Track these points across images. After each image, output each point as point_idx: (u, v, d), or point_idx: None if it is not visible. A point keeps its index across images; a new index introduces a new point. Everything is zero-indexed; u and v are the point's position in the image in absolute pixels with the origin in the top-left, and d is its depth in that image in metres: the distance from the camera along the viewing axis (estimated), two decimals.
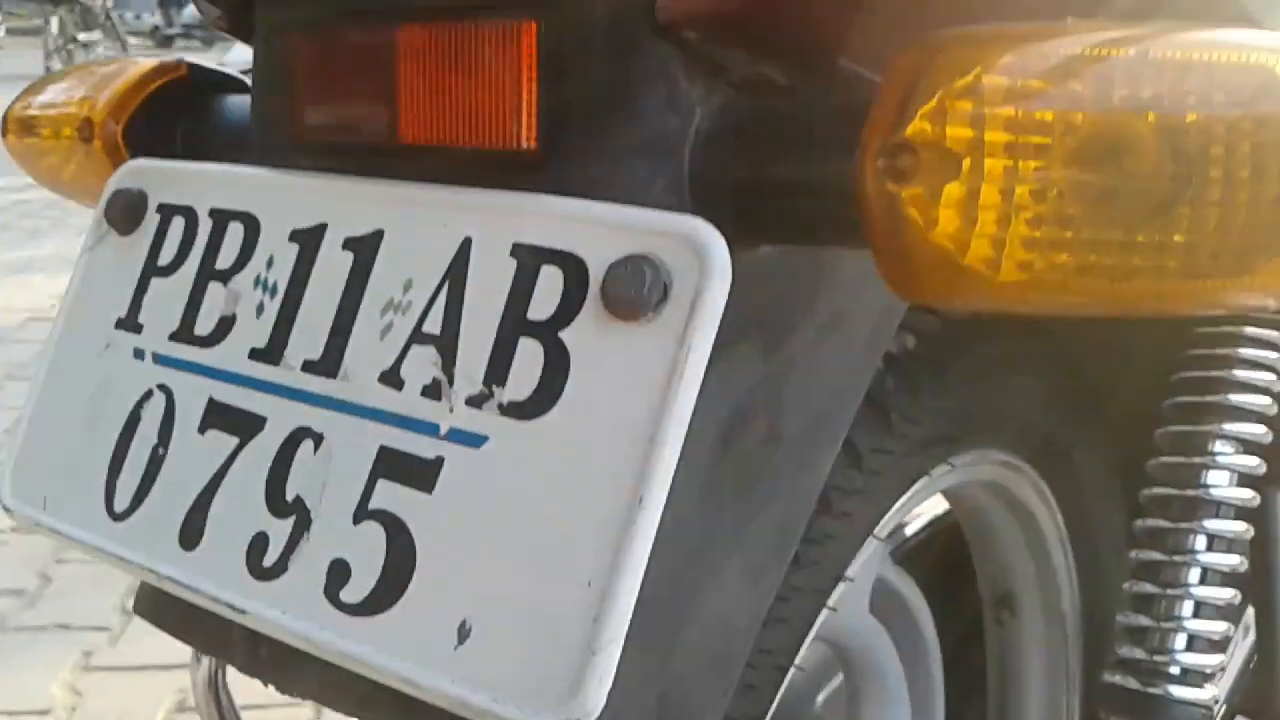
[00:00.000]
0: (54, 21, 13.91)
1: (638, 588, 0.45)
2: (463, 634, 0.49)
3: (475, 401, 0.50)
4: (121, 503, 0.60)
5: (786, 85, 0.53)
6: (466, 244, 0.52)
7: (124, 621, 1.99)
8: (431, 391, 0.52)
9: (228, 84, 0.77)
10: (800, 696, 0.96)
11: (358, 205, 0.57)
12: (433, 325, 0.53)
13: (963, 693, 0.99)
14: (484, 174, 0.54)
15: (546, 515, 0.47)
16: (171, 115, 0.75)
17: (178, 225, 0.63)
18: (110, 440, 0.62)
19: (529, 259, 0.50)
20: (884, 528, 0.78)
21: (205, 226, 0.62)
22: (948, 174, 0.43)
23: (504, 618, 0.48)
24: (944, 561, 1.02)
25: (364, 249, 0.56)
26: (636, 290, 0.47)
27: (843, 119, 0.50)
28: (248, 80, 0.78)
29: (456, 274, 0.52)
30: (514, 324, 0.50)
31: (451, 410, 0.51)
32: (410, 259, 0.54)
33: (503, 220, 0.52)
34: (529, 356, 0.49)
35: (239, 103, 0.76)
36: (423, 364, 0.52)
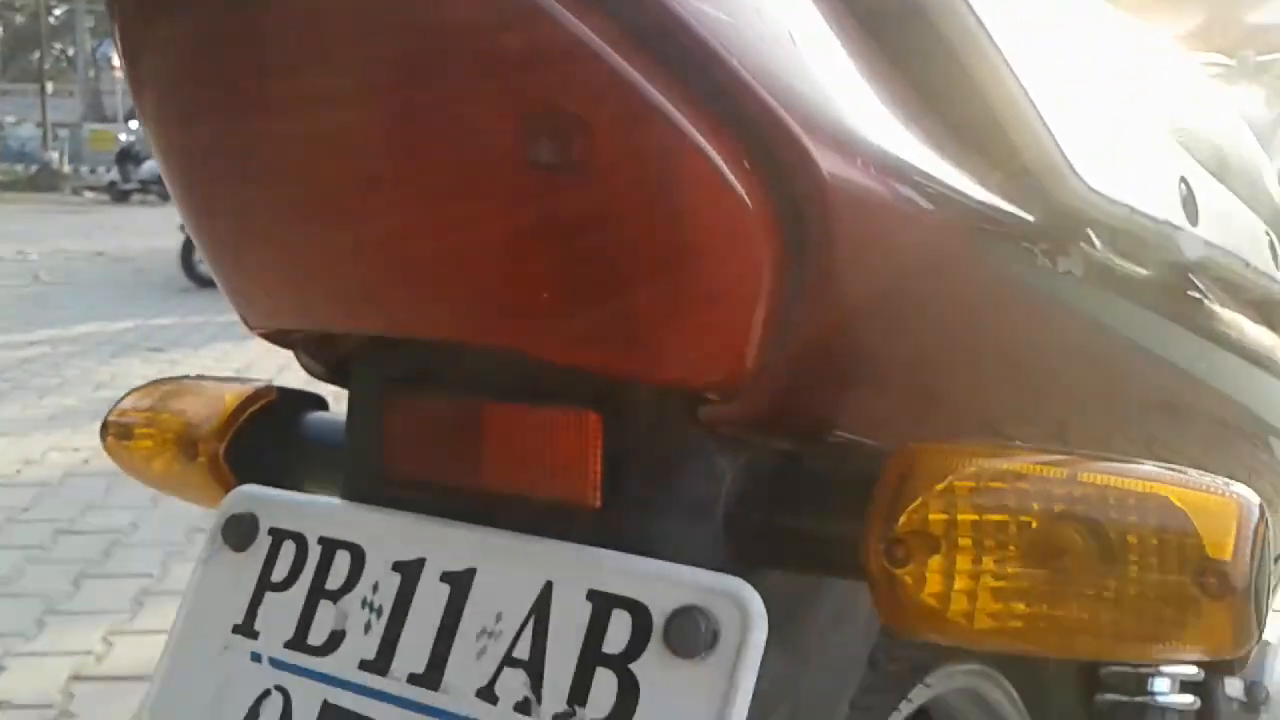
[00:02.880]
0: None
1: None
2: None
3: (561, 717, 0.63)
4: None
5: (794, 451, 0.68)
6: (548, 586, 0.65)
7: None
8: (523, 708, 0.64)
9: (309, 402, 0.90)
10: None
11: (452, 545, 0.69)
12: (521, 651, 0.65)
13: None
14: (555, 520, 0.67)
15: None
16: (263, 435, 0.88)
17: (289, 548, 0.75)
18: None
19: (602, 603, 0.63)
20: None
21: (315, 551, 0.74)
22: (930, 551, 0.57)
23: None
24: None
25: (459, 582, 0.68)
26: (693, 636, 0.60)
27: (840, 479, 0.66)
28: (323, 396, 0.92)
29: (541, 610, 0.65)
30: (591, 655, 0.63)
31: None
32: (500, 594, 0.67)
33: (580, 570, 0.65)
34: (605, 682, 0.62)
35: (321, 423, 0.89)
36: (514, 683, 0.65)
